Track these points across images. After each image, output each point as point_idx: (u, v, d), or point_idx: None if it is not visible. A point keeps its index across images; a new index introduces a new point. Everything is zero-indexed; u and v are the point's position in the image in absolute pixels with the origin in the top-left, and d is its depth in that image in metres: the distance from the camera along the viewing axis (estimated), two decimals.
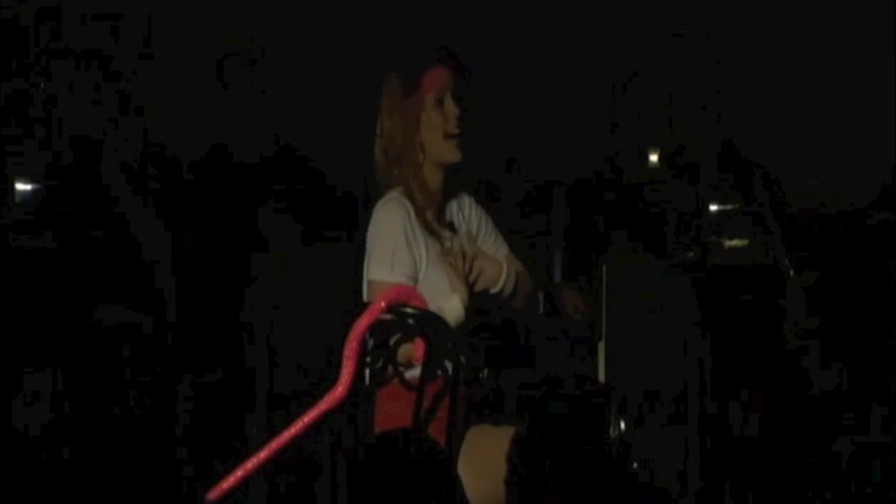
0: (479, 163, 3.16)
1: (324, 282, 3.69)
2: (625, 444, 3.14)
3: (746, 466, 3.92)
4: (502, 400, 2.98)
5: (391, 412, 2.68)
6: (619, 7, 4.86)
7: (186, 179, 4.63)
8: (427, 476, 2.59)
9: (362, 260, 2.99)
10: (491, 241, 3.15)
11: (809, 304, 4.05)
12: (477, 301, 2.99)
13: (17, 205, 4.52)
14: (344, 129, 4.30)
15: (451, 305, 2.89)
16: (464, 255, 2.99)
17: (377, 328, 2.52)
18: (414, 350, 2.59)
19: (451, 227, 3.07)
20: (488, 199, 3.24)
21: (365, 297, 2.94)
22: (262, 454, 2.52)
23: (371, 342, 2.53)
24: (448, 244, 3.02)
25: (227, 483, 2.51)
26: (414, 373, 2.62)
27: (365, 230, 3.01)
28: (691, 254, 4.59)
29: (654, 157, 5.03)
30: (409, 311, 2.57)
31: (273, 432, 2.55)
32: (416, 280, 2.93)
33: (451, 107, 3.00)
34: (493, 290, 3.04)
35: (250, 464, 2.52)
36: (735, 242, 4.55)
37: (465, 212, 3.13)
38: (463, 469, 2.70)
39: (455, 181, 3.09)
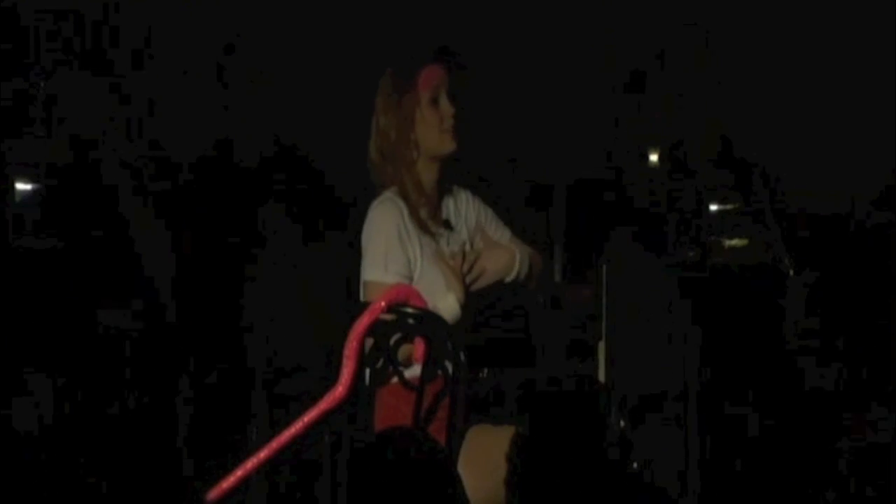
0: (478, 162, 3.16)
1: (323, 282, 3.69)
2: (625, 443, 3.14)
3: (746, 466, 3.92)
4: (502, 400, 2.98)
5: (391, 412, 2.68)
6: (619, 7, 4.86)
7: (186, 179, 4.63)
8: (427, 475, 2.59)
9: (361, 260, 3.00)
10: (493, 229, 3.15)
11: (809, 304, 4.05)
12: (476, 301, 2.99)
13: (17, 205, 4.52)
14: (344, 129, 4.29)
15: (446, 304, 2.89)
16: (464, 254, 2.99)
17: (377, 328, 2.52)
18: (414, 350, 2.59)
19: (447, 224, 3.06)
20: (488, 197, 3.23)
21: (361, 298, 2.94)
22: (262, 454, 2.51)
23: (371, 342, 2.53)
24: (444, 242, 3.02)
25: (227, 483, 2.51)
26: (414, 372, 2.62)
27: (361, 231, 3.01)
28: (691, 254, 4.59)
29: (654, 157, 5.03)
30: (409, 310, 2.56)
31: (273, 432, 2.55)
32: (410, 279, 2.93)
33: (445, 105, 3.00)
34: (510, 278, 3.03)
35: (250, 464, 2.52)
36: (735, 242, 4.56)
37: (464, 207, 3.12)
38: (463, 469, 2.70)
39: (451, 178, 3.09)
